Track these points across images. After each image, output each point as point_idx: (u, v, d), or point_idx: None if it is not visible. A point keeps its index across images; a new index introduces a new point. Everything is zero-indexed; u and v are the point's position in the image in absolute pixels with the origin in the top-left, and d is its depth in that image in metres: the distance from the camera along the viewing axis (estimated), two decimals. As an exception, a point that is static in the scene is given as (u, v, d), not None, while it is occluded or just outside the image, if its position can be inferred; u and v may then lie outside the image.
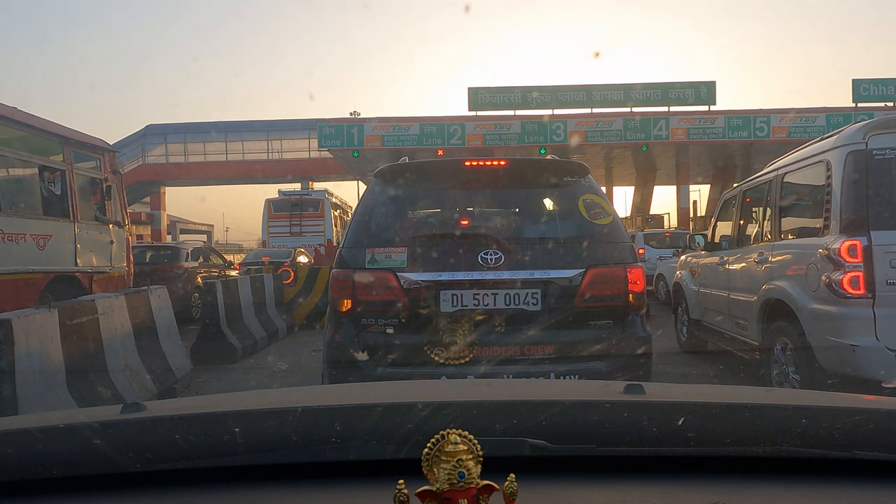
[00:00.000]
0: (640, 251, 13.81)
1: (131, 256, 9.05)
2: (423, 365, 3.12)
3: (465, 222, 3.82)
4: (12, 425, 1.05)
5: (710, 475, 0.91)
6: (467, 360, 3.10)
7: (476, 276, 3.14)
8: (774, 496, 0.86)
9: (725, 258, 5.80)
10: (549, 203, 3.64)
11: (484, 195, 3.82)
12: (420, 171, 3.73)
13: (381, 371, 3.11)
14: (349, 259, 3.27)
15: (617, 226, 3.37)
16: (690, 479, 0.90)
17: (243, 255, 23.14)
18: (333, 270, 3.32)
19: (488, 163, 3.58)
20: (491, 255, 3.16)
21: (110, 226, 8.31)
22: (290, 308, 9.86)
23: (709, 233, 6.68)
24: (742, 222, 5.79)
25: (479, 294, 3.15)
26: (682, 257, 7.77)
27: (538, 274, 3.16)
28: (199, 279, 11.18)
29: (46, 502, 0.88)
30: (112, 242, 8.31)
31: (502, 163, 3.58)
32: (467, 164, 3.58)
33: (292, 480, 0.92)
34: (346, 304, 3.20)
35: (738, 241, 5.73)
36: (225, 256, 14.72)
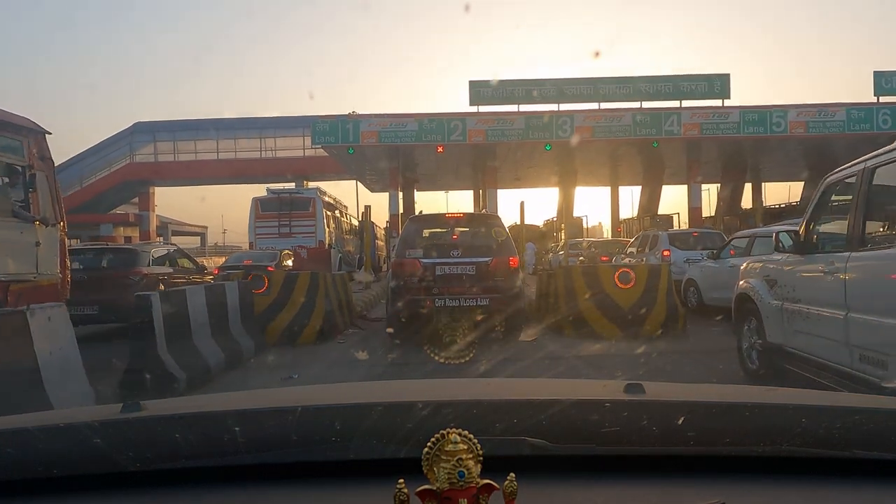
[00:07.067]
0: (665, 253, 12.22)
1: (67, 261, 7.49)
2: (430, 296, 7.67)
3: (449, 238, 8.85)
4: (12, 425, 1.05)
5: (710, 475, 0.91)
6: (446, 292, 7.64)
7: (450, 260, 7.94)
8: (774, 496, 0.86)
9: (837, 264, 4.16)
10: (481, 230, 8.84)
11: (455, 227, 8.91)
12: (429, 218, 9.92)
13: (410, 297, 7.70)
14: (400, 254, 8.19)
15: (507, 239, 8.39)
16: (690, 478, 0.90)
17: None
18: (394, 259, 8.56)
19: (458, 215, 9.33)
20: (456, 252, 8.06)
21: (36, 223, 6.69)
22: (263, 322, 8.39)
23: (800, 230, 4.91)
24: (868, 214, 4.11)
25: (451, 267, 7.82)
26: (748, 262, 6.13)
27: (474, 259, 7.89)
28: (161, 286, 9.58)
29: (46, 502, 0.88)
30: (38, 244, 6.71)
31: (463, 216, 9.44)
32: (448, 216, 9.28)
33: (292, 480, 0.92)
34: (399, 272, 8.00)
35: (862, 240, 4.08)
36: (197, 261, 12.74)
